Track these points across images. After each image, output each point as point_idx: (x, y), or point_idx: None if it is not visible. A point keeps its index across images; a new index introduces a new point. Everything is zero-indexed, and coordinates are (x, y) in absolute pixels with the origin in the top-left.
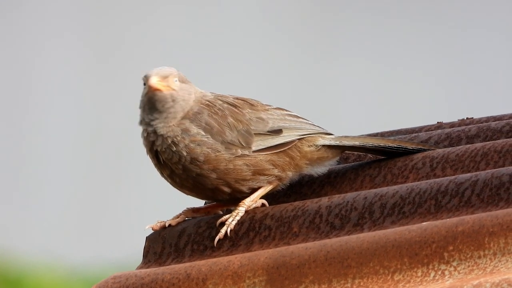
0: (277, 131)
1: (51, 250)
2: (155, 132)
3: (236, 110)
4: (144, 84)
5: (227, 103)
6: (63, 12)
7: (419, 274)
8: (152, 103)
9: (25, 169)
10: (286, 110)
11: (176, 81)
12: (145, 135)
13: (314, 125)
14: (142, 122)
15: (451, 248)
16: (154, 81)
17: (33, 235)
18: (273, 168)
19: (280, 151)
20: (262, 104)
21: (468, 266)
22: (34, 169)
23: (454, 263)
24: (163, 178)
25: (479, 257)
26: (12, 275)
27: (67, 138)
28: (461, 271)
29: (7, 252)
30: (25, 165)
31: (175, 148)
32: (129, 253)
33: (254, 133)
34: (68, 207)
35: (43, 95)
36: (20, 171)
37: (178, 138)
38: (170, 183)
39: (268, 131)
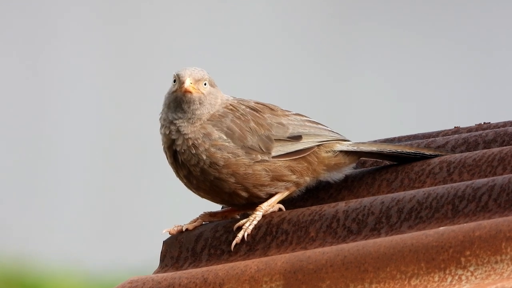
0: (297, 137)
1: (69, 255)
2: (178, 131)
3: (257, 114)
4: (174, 81)
5: (249, 107)
6: (82, 14)
7: (436, 279)
8: (178, 103)
9: (43, 175)
10: (306, 116)
11: (205, 85)
12: (167, 132)
13: (332, 131)
14: (165, 119)
15: (468, 253)
16: (188, 84)
17: (51, 240)
18: (291, 174)
19: (299, 157)
20: (282, 109)
21: (485, 271)
22: (52, 175)
23: (471, 268)
24: (178, 178)
25: (496, 262)
26: (30, 280)
27: (85, 144)
28: (478, 276)
29: (25, 257)
30: (44, 171)
31: (194, 151)
32: (147, 257)
33: (274, 139)
34: (86, 212)
35: (61, 100)
36: (38, 177)
37: (199, 141)
38: (185, 184)
39: (288, 137)
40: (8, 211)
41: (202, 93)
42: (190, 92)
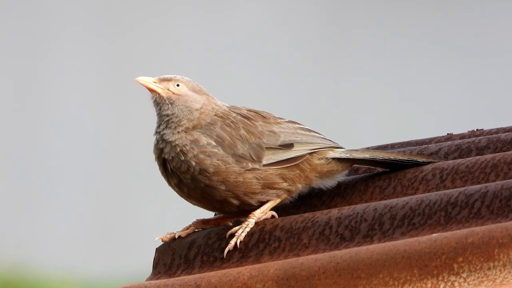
0: (288, 145)
1: (64, 262)
2: (163, 139)
3: (249, 122)
4: None
5: (241, 115)
6: (77, 19)
7: (429, 285)
8: (155, 107)
9: (39, 182)
10: (298, 124)
11: (178, 85)
12: (155, 142)
13: (325, 138)
14: (155, 131)
15: (460, 259)
16: (145, 80)
17: (46, 248)
18: (282, 182)
19: (290, 165)
20: (275, 117)
21: (478, 278)
22: (47, 183)
23: (464, 275)
24: (170, 187)
25: (489, 269)
26: (26, 287)
27: (80, 152)
28: (470, 283)
29: (21, 265)
30: (39, 179)
31: (183, 158)
32: (141, 265)
33: (266, 147)
34: (80, 220)
35: (57, 109)
36: (34, 184)
37: (187, 148)
38: (177, 193)
39: (280, 145)
40: (3, 218)
41: (171, 92)
42: (153, 90)
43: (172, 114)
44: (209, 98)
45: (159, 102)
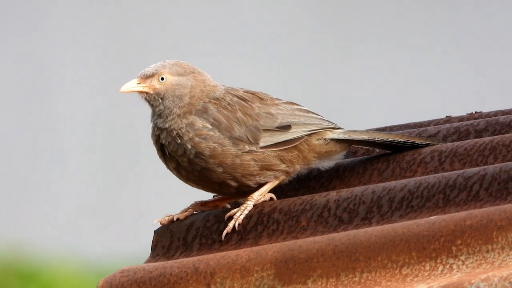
0: (286, 127)
1: (65, 244)
2: (158, 127)
3: (245, 104)
4: None
5: (237, 96)
6: (79, 14)
7: (427, 268)
8: (147, 104)
9: (40, 164)
10: (297, 105)
11: (162, 78)
12: (152, 131)
13: (323, 119)
14: (151, 119)
15: (459, 242)
16: (131, 85)
17: (47, 229)
18: (280, 164)
19: (288, 147)
20: (272, 98)
21: (476, 260)
22: (48, 164)
23: (462, 257)
24: (169, 171)
25: (487, 251)
26: (26, 268)
27: (82, 134)
28: (469, 265)
29: (22, 246)
30: (40, 160)
31: (179, 141)
32: (143, 247)
33: (263, 129)
34: (81, 202)
35: (58, 92)
36: (35, 166)
37: (183, 131)
38: (176, 175)
39: (277, 127)
40: (4, 200)
41: (156, 88)
42: (142, 92)
43: (164, 107)
44: (196, 76)
45: (149, 99)
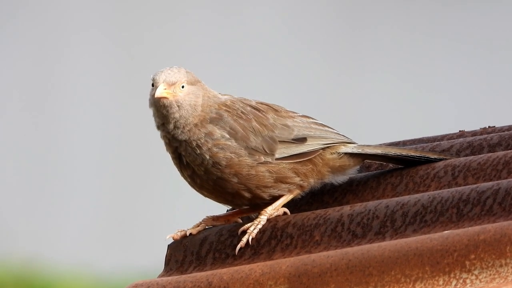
0: (302, 139)
1: (77, 258)
2: (176, 139)
3: (259, 114)
4: (152, 85)
5: (250, 106)
6: (91, 22)
7: (441, 282)
8: (157, 108)
9: (52, 178)
10: (312, 118)
11: (183, 87)
12: (167, 141)
13: (338, 133)
14: (158, 126)
15: (472, 256)
16: (160, 91)
17: (60, 244)
18: (295, 176)
19: (303, 160)
20: (287, 110)
21: (490, 275)
22: (61, 178)
23: (476, 272)
24: (182, 178)
25: (501, 266)
26: (39, 283)
27: (94, 148)
28: (482, 280)
29: (34, 260)
30: (53, 175)
31: (198, 151)
32: (155, 261)
33: (279, 141)
34: (94, 216)
35: (70, 103)
36: (48, 179)
37: (202, 141)
38: (189, 183)
39: (293, 139)
40: (17, 214)
41: (179, 96)
42: (166, 98)
43: (180, 116)
44: (202, 85)
45: (167, 105)
